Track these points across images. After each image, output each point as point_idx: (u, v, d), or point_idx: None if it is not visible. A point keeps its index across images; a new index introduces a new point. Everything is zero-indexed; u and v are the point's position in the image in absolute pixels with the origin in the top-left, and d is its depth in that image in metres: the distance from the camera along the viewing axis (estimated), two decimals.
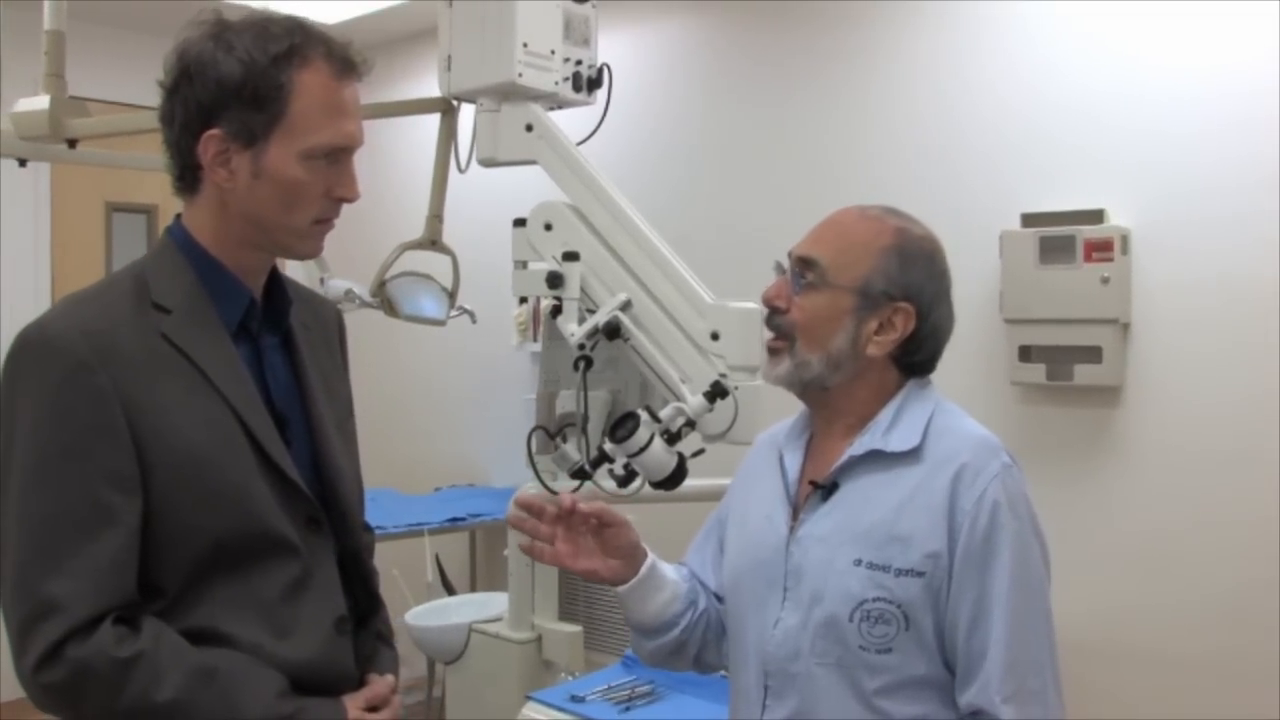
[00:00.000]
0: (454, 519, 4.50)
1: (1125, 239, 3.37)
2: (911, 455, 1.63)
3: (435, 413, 5.56)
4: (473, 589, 4.83)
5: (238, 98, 1.47)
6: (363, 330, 5.03)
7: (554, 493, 2.48)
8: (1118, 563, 3.42)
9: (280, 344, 1.63)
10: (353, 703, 1.55)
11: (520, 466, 4.33)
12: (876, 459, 1.64)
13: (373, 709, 1.58)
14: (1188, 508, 3.32)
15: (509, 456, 5.07)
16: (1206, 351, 3.30)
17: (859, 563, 1.59)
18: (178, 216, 1.59)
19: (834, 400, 1.71)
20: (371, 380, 5.72)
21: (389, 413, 5.66)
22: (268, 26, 1.51)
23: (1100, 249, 3.37)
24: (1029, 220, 3.52)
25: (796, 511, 1.70)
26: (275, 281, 1.65)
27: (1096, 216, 3.41)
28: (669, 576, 1.84)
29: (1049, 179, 3.57)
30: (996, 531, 1.56)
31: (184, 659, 1.41)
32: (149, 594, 1.45)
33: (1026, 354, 3.54)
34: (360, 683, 1.61)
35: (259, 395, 1.53)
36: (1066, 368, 3.47)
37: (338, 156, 1.55)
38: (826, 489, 1.66)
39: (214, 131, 1.48)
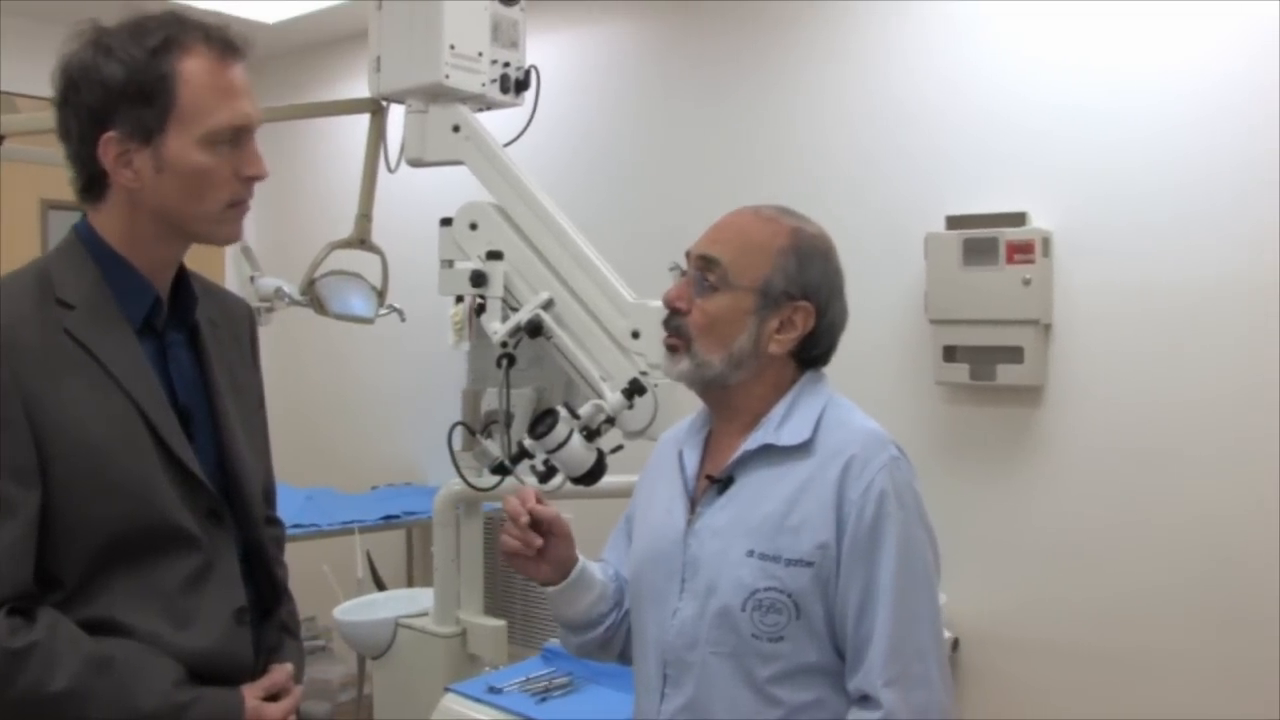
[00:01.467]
0: (388, 517, 4.51)
1: (1046, 241, 3.43)
2: (803, 449, 1.67)
3: (374, 412, 5.55)
4: (410, 585, 4.84)
5: (125, 97, 1.48)
6: (303, 330, 5.06)
7: (476, 488, 2.53)
8: (1038, 559, 3.48)
9: (186, 340, 1.64)
10: (251, 692, 1.57)
11: None
12: (769, 453, 1.68)
13: (272, 698, 1.59)
14: (1107, 505, 3.39)
15: (445, 456, 5.04)
16: (1125, 352, 3.36)
17: (751, 554, 1.63)
18: (84, 215, 1.60)
19: (733, 398, 1.74)
20: (311, 380, 5.72)
21: (329, 412, 5.66)
22: (142, 23, 1.52)
23: (1022, 251, 3.43)
24: (953, 222, 3.57)
25: (695, 505, 1.74)
26: (182, 279, 1.66)
27: (1018, 219, 3.47)
28: (597, 577, 1.88)
29: (973, 182, 3.62)
30: (883, 521, 1.60)
31: (79, 649, 1.42)
32: (47, 585, 1.46)
33: (951, 354, 3.60)
34: (263, 673, 1.62)
35: (162, 390, 1.55)
36: (989, 368, 3.53)
37: (238, 137, 1.56)
38: (722, 483, 1.71)
39: (110, 134, 1.49)
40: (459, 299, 2.71)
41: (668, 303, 1.75)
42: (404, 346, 4.99)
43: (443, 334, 5.03)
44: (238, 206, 1.60)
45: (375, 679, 3.42)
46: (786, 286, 1.69)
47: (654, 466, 1.91)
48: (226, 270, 4.66)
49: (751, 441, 1.70)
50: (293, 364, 5.52)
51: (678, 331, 1.73)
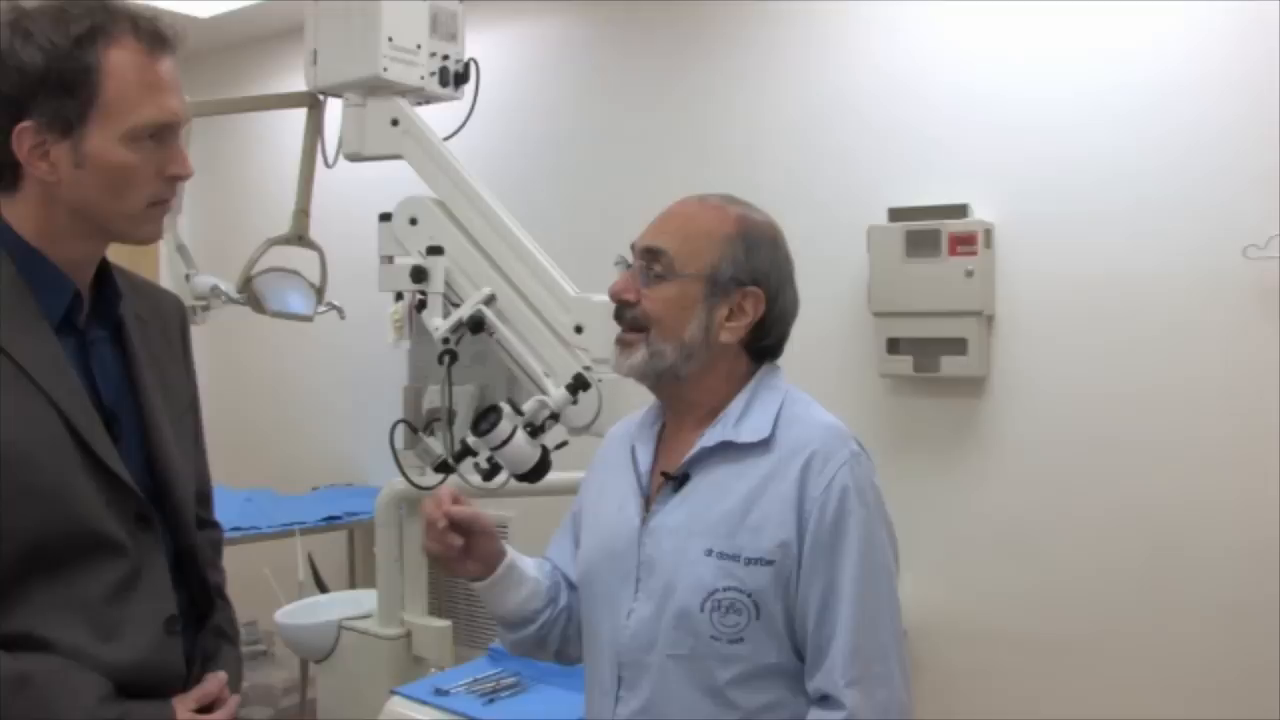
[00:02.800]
0: (330, 518, 4.45)
1: (988, 233, 3.45)
2: (762, 445, 1.64)
3: (313, 412, 5.48)
4: (352, 587, 4.78)
5: (44, 85, 1.41)
6: (239, 328, 4.98)
7: (418, 487, 2.49)
8: (983, 548, 3.50)
9: (110, 337, 1.57)
10: (182, 704, 1.50)
11: None
12: (727, 449, 1.65)
13: (207, 708, 1.53)
14: (1050, 495, 3.41)
15: (387, 456, 5.00)
16: (1067, 342, 3.39)
17: (710, 553, 1.60)
18: None
19: (686, 391, 1.71)
20: (249, 379, 5.64)
21: (267, 412, 5.58)
22: (66, 9, 1.45)
23: (964, 243, 3.44)
24: (895, 215, 3.58)
25: (649, 503, 1.71)
26: (105, 273, 1.58)
27: (960, 211, 3.49)
28: (529, 574, 1.84)
29: (915, 175, 3.63)
30: (845, 518, 1.58)
31: None
32: None
33: (894, 346, 3.60)
34: (196, 683, 1.56)
35: (84, 390, 1.47)
36: (933, 359, 3.54)
37: (163, 134, 1.49)
38: (678, 480, 1.67)
39: (26, 124, 1.42)
40: (398, 296, 2.67)
41: (614, 295, 1.72)
42: (342, 345, 4.93)
43: (382, 332, 4.99)
44: (159, 205, 1.53)
45: (319, 683, 3.36)
46: (735, 273, 1.66)
47: (603, 462, 1.87)
48: (161, 268, 4.56)
49: (709, 438, 1.66)
50: (229, 363, 5.45)
51: (633, 323, 1.69)
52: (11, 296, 1.45)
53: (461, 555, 1.76)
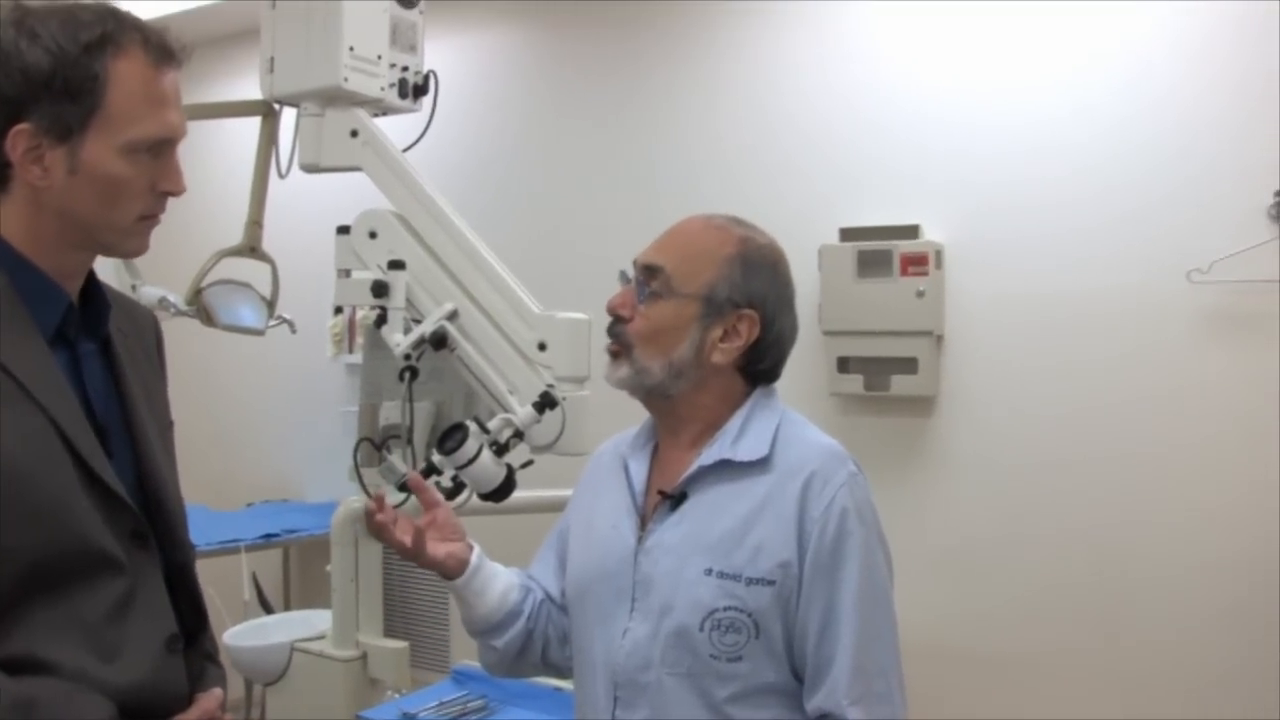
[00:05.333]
0: (269, 535, 4.37)
1: (939, 254, 3.49)
2: (760, 465, 1.64)
3: (247, 425, 5.38)
4: (288, 607, 4.69)
5: (48, 89, 1.37)
6: (169, 339, 4.85)
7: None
8: (931, 566, 3.53)
9: (98, 351, 1.53)
10: None
11: (337, 481, 4.24)
12: (725, 468, 1.65)
13: None
14: (999, 513, 3.46)
15: (325, 470, 4.95)
16: (1016, 363, 3.44)
17: (709, 572, 1.59)
18: None
19: (679, 408, 1.71)
20: (180, 391, 5.48)
21: (198, 425, 5.42)
22: (76, 13, 1.42)
23: (915, 263, 3.48)
24: (847, 234, 3.61)
25: (644, 521, 1.70)
26: (93, 285, 1.55)
27: (912, 232, 3.53)
28: (498, 566, 1.83)
29: (866, 195, 3.67)
30: (845, 539, 1.58)
31: None
32: None
33: (845, 365, 3.63)
34: (190, 703, 1.52)
35: (79, 405, 1.43)
36: (883, 378, 3.57)
37: (161, 149, 1.47)
38: (675, 499, 1.67)
39: (23, 126, 1.38)
40: (338, 310, 2.62)
41: (611, 309, 1.72)
42: (279, 358, 4.86)
43: (316, 345, 4.92)
44: (148, 220, 1.51)
45: (270, 706, 3.29)
46: (731, 294, 1.66)
47: (594, 480, 1.86)
48: (104, 278, 4.45)
49: (707, 456, 1.66)
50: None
51: (619, 338, 1.70)
52: (5, 309, 1.40)
53: (427, 537, 1.75)
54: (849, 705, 1.55)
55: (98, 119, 1.40)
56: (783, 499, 1.61)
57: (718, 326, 1.67)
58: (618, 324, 1.71)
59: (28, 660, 1.34)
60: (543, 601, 1.85)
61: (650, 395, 1.71)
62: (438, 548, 1.77)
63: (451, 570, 1.77)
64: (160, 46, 1.46)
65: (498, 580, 1.80)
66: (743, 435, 1.67)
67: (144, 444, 1.53)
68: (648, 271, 1.69)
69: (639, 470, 1.75)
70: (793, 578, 1.58)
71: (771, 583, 1.57)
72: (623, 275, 1.76)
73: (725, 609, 1.58)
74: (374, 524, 1.75)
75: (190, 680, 1.55)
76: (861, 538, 1.59)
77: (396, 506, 2.30)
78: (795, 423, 1.71)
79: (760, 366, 1.72)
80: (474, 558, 1.78)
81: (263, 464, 5.29)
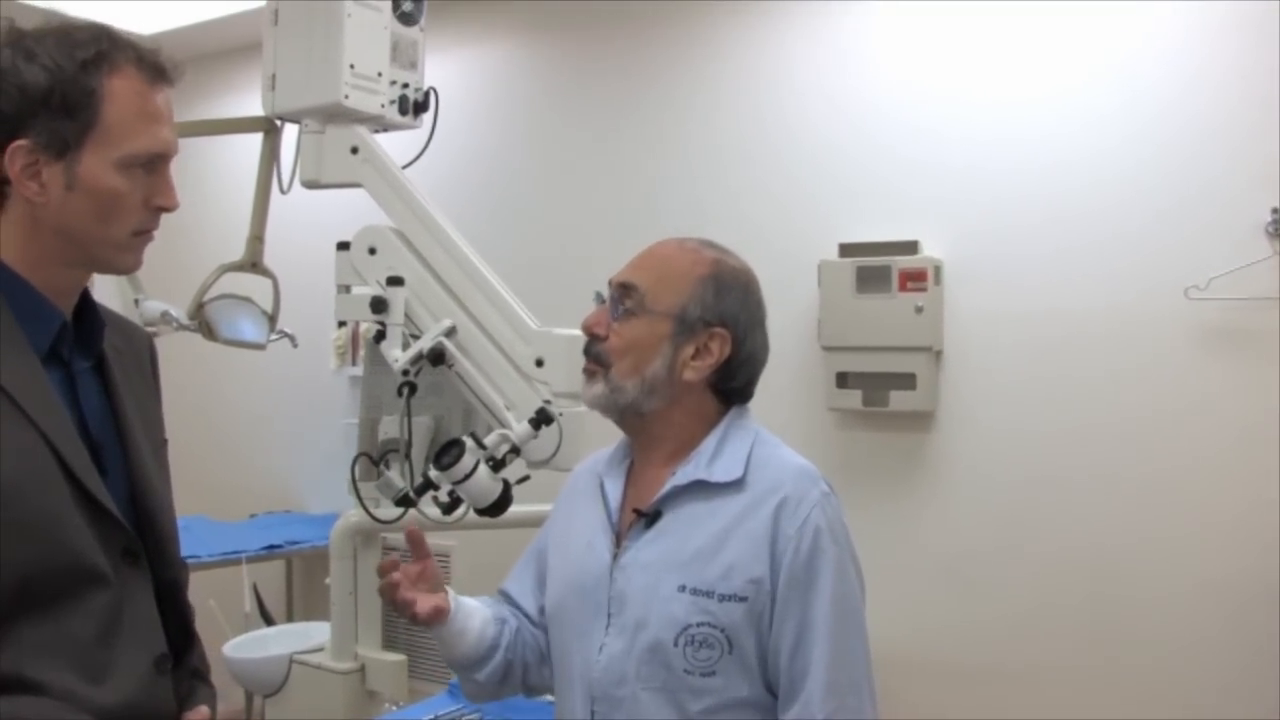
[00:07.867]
0: (271, 546, 4.38)
1: (938, 270, 3.50)
2: (734, 485, 1.67)
3: (250, 437, 5.40)
4: (290, 619, 4.70)
5: (45, 106, 1.40)
6: (173, 351, 4.88)
7: (378, 520, 2.46)
8: (929, 580, 3.54)
9: (93, 369, 1.55)
10: None
11: (339, 493, 4.24)
12: (699, 488, 1.68)
13: None
14: (996, 528, 3.46)
15: (327, 482, 4.97)
16: (1014, 379, 3.45)
17: (683, 589, 1.62)
18: None
19: (651, 427, 1.74)
20: (183, 403, 5.52)
21: (201, 436, 5.47)
22: (71, 33, 1.45)
23: (914, 279, 3.49)
24: (846, 250, 3.63)
25: (619, 539, 1.72)
26: (87, 303, 1.56)
27: (911, 248, 3.54)
28: (473, 603, 1.85)
29: (866, 211, 3.68)
30: (818, 557, 1.61)
31: None
32: None
33: (843, 380, 3.64)
34: None
35: (72, 422, 1.45)
36: (882, 394, 3.58)
37: (155, 164, 1.50)
38: (650, 517, 1.69)
39: (21, 142, 1.41)
40: (341, 323, 2.64)
41: (585, 329, 1.76)
42: (282, 370, 4.87)
43: (323, 358, 4.94)
44: (143, 235, 1.54)
45: (270, 717, 3.30)
46: (703, 314, 1.70)
47: (571, 498, 1.89)
48: (107, 292, 4.48)
49: (681, 476, 1.69)
50: (164, 387, 5.31)
51: (596, 358, 1.73)
52: (1, 327, 1.42)
53: (426, 589, 1.76)
54: (823, 718, 1.57)
55: (94, 135, 1.43)
56: (756, 518, 1.63)
57: (690, 344, 1.70)
58: (594, 343, 1.74)
59: (15, 680, 1.34)
60: (518, 629, 1.87)
61: (624, 414, 1.73)
62: (426, 601, 1.76)
63: (441, 621, 1.78)
64: (153, 65, 1.50)
65: (474, 618, 1.81)
66: (718, 456, 1.70)
67: (137, 461, 1.54)
68: (623, 289, 1.73)
69: (614, 489, 1.78)
70: (765, 594, 1.61)
71: (744, 599, 1.60)
72: (598, 296, 1.79)
73: (699, 625, 1.60)
74: (387, 585, 1.74)
75: (179, 699, 1.56)
76: (834, 556, 1.62)
77: (393, 521, 2.34)
78: (768, 443, 1.74)
79: (732, 385, 1.75)
80: (452, 603, 1.79)
81: (266, 475, 5.30)
